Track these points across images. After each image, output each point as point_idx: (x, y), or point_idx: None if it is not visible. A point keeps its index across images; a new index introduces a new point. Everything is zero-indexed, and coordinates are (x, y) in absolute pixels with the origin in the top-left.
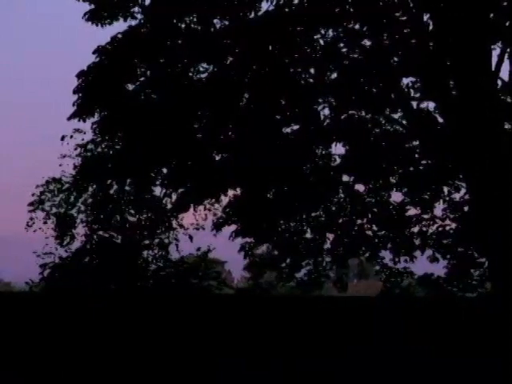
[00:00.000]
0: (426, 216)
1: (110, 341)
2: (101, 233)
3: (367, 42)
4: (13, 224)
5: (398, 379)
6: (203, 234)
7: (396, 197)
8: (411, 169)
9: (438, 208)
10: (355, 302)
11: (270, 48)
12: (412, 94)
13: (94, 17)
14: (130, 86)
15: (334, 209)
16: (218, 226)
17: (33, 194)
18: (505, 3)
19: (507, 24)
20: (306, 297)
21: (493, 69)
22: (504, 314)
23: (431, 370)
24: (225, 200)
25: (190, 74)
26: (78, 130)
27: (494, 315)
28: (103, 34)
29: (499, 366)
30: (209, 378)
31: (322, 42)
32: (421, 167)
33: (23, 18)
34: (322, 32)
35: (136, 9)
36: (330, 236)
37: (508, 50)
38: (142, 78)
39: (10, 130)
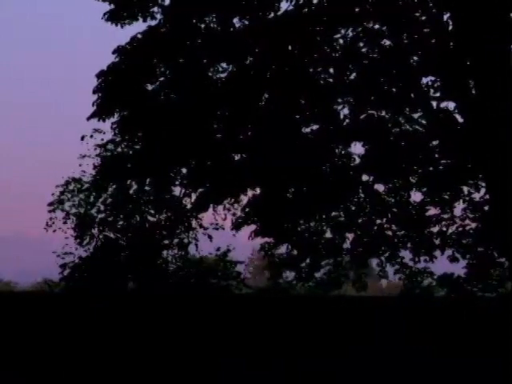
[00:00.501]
0: (445, 216)
1: (119, 341)
2: (107, 234)
3: (387, 42)
4: (13, 224)
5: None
6: (222, 233)
7: (416, 196)
8: (431, 168)
9: (458, 208)
10: (357, 302)
11: (290, 48)
12: (432, 94)
13: (113, 17)
14: (150, 86)
15: (353, 208)
16: (237, 226)
17: (52, 194)
18: None
19: None
20: (307, 297)
21: None
22: None
23: (444, 371)
24: (244, 200)
25: (210, 74)
26: (97, 130)
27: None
28: (122, 34)
29: None
30: (212, 378)
31: (341, 41)
32: (440, 167)
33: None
34: (342, 32)
35: (155, 9)
36: (350, 236)
37: None
38: (162, 78)
39: (10, 130)
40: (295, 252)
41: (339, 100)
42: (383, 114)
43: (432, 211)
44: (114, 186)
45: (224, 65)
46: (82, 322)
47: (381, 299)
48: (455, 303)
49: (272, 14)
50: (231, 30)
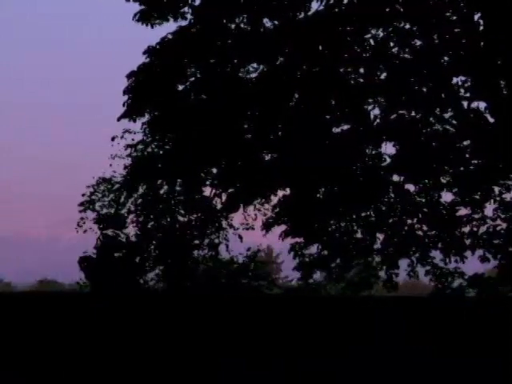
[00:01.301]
0: (476, 216)
1: (120, 341)
2: (107, 232)
3: (418, 42)
4: (13, 224)
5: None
6: (252, 233)
7: (446, 197)
8: (462, 169)
9: (489, 208)
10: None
11: (320, 48)
12: (462, 94)
13: (144, 17)
14: (180, 87)
15: (384, 209)
16: (267, 226)
17: (83, 195)
18: None
19: None
20: (307, 297)
21: None
22: None
23: (446, 371)
24: (274, 200)
25: (240, 74)
26: (127, 131)
27: None
28: (150, 35)
29: None
30: (212, 378)
31: (372, 41)
32: (471, 167)
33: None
34: (372, 32)
35: (186, 9)
36: (380, 236)
37: None
38: (192, 78)
39: (10, 130)
40: (325, 252)
41: (370, 100)
42: (414, 114)
43: (463, 211)
44: (145, 187)
45: (254, 65)
46: (83, 321)
47: (381, 299)
48: (484, 303)
49: (302, 14)
50: (261, 30)
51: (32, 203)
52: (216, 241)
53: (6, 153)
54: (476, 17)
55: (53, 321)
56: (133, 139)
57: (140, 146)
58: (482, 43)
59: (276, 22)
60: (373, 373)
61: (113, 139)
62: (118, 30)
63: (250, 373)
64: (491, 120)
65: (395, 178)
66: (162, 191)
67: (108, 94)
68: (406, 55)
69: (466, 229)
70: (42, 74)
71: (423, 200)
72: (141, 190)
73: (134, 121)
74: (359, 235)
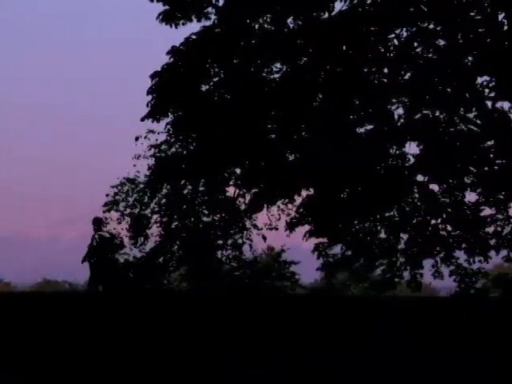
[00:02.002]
0: (500, 216)
1: (120, 341)
2: (103, 233)
3: (441, 42)
4: (13, 224)
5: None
6: (276, 234)
7: (470, 197)
8: (486, 169)
9: None
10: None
11: (344, 48)
12: (487, 94)
13: (168, 18)
14: (204, 87)
15: (408, 209)
16: (291, 226)
17: (107, 195)
18: None
19: None
20: (307, 297)
21: None
22: None
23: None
24: (298, 200)
25: (264, 75)
26: (151, 131)
27: None
28: (174, 35)
29: None
30: (212, 378)
31: (395, 41)
32: (496, 167)
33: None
34: (396, 32)
35: (210, 9)
36: (404, 236)
37: None
38: (216, 79)
39: (10, 130)
40: (349, 252)
41: (393, 100)
42: (438, 113)
43: (487, 211)
44: (169, 187)
45: (278, 65)
46: (83, 322)
47: (381, 299)
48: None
49: (326, 14)
50: (285, 30)
51: (32, 203)
52: (239, 241)
53: (6, 153)
54: (500, 17)
55: (53, 321)
56: (156, 139)
57: (164, 147)
58: (506, 43)
59: (300, 22)
60: (373, 373)
61: (136, 139)
62: (118, 30)
63: (250, 373)
64: None
65: (419, 178)
66: (185, 191)
67: (108, 94)
68: (430, 55)
69: (490, 229)
70: (42, 74)
71: (447, 200)
72: (164, 191)
73: (158, 121)
74: (383, 235)
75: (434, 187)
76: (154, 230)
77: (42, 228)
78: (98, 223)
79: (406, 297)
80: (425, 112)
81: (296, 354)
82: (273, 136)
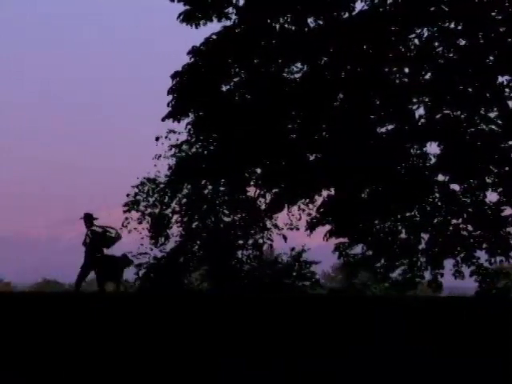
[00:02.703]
0: None
1: (121, 341)
2: (95, 228)
3: (462, 42)
4: (13, 224)
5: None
6: (297, 234)
7: (492, 197)
8: (507, 168)
9: None
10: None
11: (364, 47)
12: (507, 93)
13: (188, 18)
14: (224, 87)
15: (428, 209)
16: (312, 226)
17: (128, 195)
18: None
19: None
20: (306, 297)
21: None
22: None
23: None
24: (319, 200)
25: (284, 74)
26: (172, 131)
27: None
28: (194, 36)
29: None
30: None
31: (416, 41)
32: None
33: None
34: (417, 31)
35: (230, 9)
36: (425, 236)
37: None
38: (236, 79)
39: (10, 130)
40: (370, 252)
41: (414, 100)
42: (459, 113)
43: (508, 211)
44: (189, 187)
45: (298, 65)
46: (82, 322)
47: (381, 299)
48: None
49: (346, 14)
50: (306, 30)
51: (32, 203)
52: (260, 241)
53: (6, 153)
54: None
55: (53, 321)
56: (177, 139)
57: (184, 146)
58: None
59: (320, 22)
60: (373, 373)
61: (157, 139)
62: (121, 30)
63: (250, 373)
64: None
65: (440, 177)
66: (206, 191)
67: (109, 94)
68: (451, 55)
69: (511, 229)
70: (42, 74)
71: (468, 200)
72: (185, 190)
73: (179, 121)
74: (404, 235)
75: (455, 187)
76: (175, 230)
77: (41, 228)
78: (88, 219)
79: (406, 297)
80: (446, 112)
81: (296, 354)
82: (293, 136)
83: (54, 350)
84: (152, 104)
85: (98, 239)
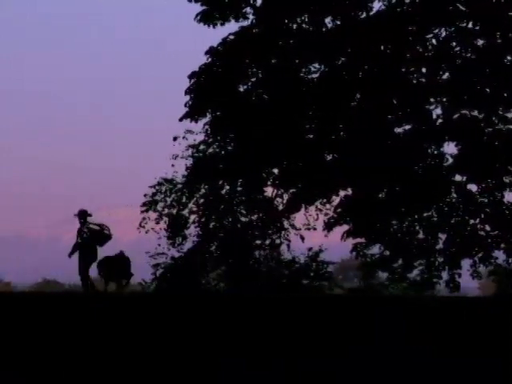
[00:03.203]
0: None
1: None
2: (90, 225)
3: (480, 41)
4: (13, 224)
5: None
6: (314, 234)
7: (509, 197)
8: None
9: None
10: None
11: (382, 47)
12: None
13: (206, 18)
14: (242, 87)
15: (446, 209)
16: (329, 226)
17: (145, 195)
18: None
19: None
20: (307, 297)
21: None
22: None
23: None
24: (336, 200)
25: (302, 74)
26: (190, 131)
27: None
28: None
29: None
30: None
31: (434, 41)
32: None
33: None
34: (435, 31)
35: (247, 9)
36: (443, 236)
37: None
38: (254, 79)
39: (10, 130)
40: (387, 252)
41: (432, 100)
42: (476, 113)
43: None
44: (206, 187)
45: (316, 65)
46: (82, 322)
47: (381, 299)
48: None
49: (364, 14)
50: (323, 30)
51: (32, 203)
52: (277, 241)
53: (6, 153)
54: None
55: (53, 321)
56: (194, 139)
57: (202, 147)
58: None
59: (337, 22)
60: (373, 373)
61: (175, 139)
62: (122, 30)
63: (250, 373)
64: None
65: (457, 177)
66: (223, 191)
67: (108, 94)
68: (469, 55)
69: None
70: (42, 74)
71: (486, 200)
72: (202, 191)
73: (196, 121)
74: (421, 235)
75: (473, 187)
76: (192, 230)
77: (41, 228)
78: (83, 216)
79: (406, 297)
80: (463, 112)
81: (296, 354)
82: (311, 136)
83: (54, 350)
84: (152, 104)
85: (94, 236)
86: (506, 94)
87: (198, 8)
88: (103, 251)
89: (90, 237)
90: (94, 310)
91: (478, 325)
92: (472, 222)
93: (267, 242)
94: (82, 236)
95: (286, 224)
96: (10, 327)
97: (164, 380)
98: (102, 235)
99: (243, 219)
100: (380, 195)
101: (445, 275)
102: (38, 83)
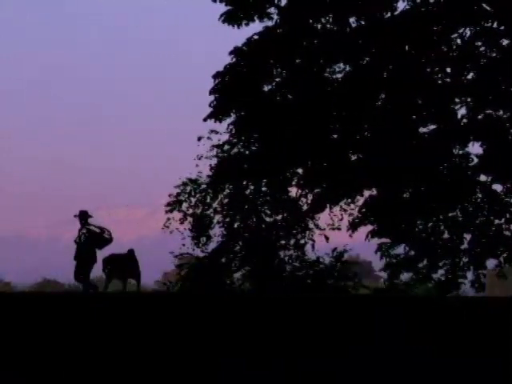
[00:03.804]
0: None
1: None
2: (91, 227)
3: (505, 41)
4: (13, 224)
5: None
6: (338, 234)
7: None
8: None
9: None
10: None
11: (407, 47)
12: None
13: (230, 18)
14: (266, 87)
15: (471, 209)
16: (354, 227)
17: (169, 195)
18: None
19: None
20: (307, 297)
21: None
22: None
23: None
24: (361, 200)
25: (326, 74)
26: (214, 131)
27: None
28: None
29: None
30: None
31: (458, 41)
32: None
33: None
34: (459, 31)
35: (272, 9)
36: (468, 236)
37: None
38: (278, 79)
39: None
40: (412, 252)
41: (456, 100)
42: (501, 113)
43: None
44: (231, 187)
45: (340, 65)
46: (82, 322)
47: (381, 299)
48: None
49: (389, 14)
50: (347, 30)
51: (32, 203)
52: (302, 241)
53: (6, 153)
54: None
55: (53, 321)
56: (219, 140)
57: (226, 147)
58: None
59: (362, 22)
60: (373, 373)
61: (199, 139)
62: (121, 30)
63: (250, 373)
64: None
65: (482, 177)
66: (247, 191)
67: (109, 94)
68: (494, 54)
69: None
70: (42, 74)
71: (511, 200)
72: (227, 191)
73: (220, 121)
74: (446, 235)
75: (498, 187)
76: (217, 231)
77: (41, 228)
78: (84, 217)
79: (406, 297)
80: (488, 112)
81: (296, 354)
82: (335, 136)
83: (54, 350)
84: (152, 104)
85: (94, 238)
86: None
87: (221, 8)
88: (103, 251)
89: (89, 239)
90: (94, 310)
91: (478, 325)
92: (497, 222)
93: (292, 242)
94: (80, 237)
95: (310, 224)
96: (10, 327)
97: (164, 380)
98: (101, 238)
99: (268, 219)
100: (405, 195)
101: (470, 275)
102: (38, 83)
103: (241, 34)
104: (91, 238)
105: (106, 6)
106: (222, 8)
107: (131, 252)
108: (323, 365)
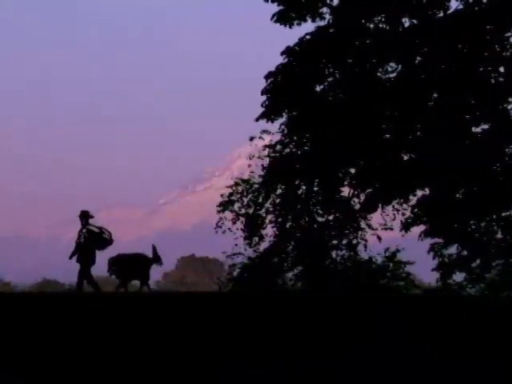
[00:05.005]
0: None
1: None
2: (91, 227)
3: None
4: (13, 224)
5: None
6: (390, 234)
7: None
8: None
9: None
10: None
11: (459, 47)
12: None
13: (282, 18)
14: (318, 87)
15: None
16: (406, 226)
17: (222, 195)
18: None
19: None
20: (308, 297)
21: None
22: None
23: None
24: (413, 200)
25: (378, 74)
26: (266, 131)
27: None
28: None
29: None
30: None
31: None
32: None
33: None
34: None
35: (324, 9)
36: None
37: None
38: (330, 79)
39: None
40: (465, 252)
41: (510, 99)
42: None
43: None
44: (283, 187)
45: (393, 64)
46: (82, 322)
47: (381, 299)
48: None
49: (441, 14)
50: (400, 29)
51: (32, 203)
52: (354, 241)
53: (7, 153)
54: None
55: (53, 321)
56: (271, 140)
57: (278, 147)
58: None
59: (415, 22)
60: (373, 373)
61: (251, 139)
62: (121, 30)
63: (250, 373)
64: None
65: None
66: (299, 191)
67: (108, 94)
68: None
69: None
70: (42, 74)
71: None
72: (279, 191)
73: (272, 121)
74: (499, 235)
75: None
76: (269, 230)
77: (41, 228)
78: (85, 217)
79: (406, 297)
80: None
81: (296, 354)
82: (387, 136)
83: (54, 350)
84: (152, 104)
85: (93, 239)
86: None
87: (274, 8)
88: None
89: (88, 239)
90: (94, 310)
91: (478, 325)
92: None
93: (344, 242)
94: (80, 237)
95: (362, 224)
96: (10, 327)
97: (164, 380)
98: (100, 238)
99: (320, 219)
100: (458, 195)
101: None
102: (38, 83)
103: (293, 34)
104: (91, 239)
105: (106, 6)
106: (274, 8)
107: (153, 247)
108: (323, 365)
